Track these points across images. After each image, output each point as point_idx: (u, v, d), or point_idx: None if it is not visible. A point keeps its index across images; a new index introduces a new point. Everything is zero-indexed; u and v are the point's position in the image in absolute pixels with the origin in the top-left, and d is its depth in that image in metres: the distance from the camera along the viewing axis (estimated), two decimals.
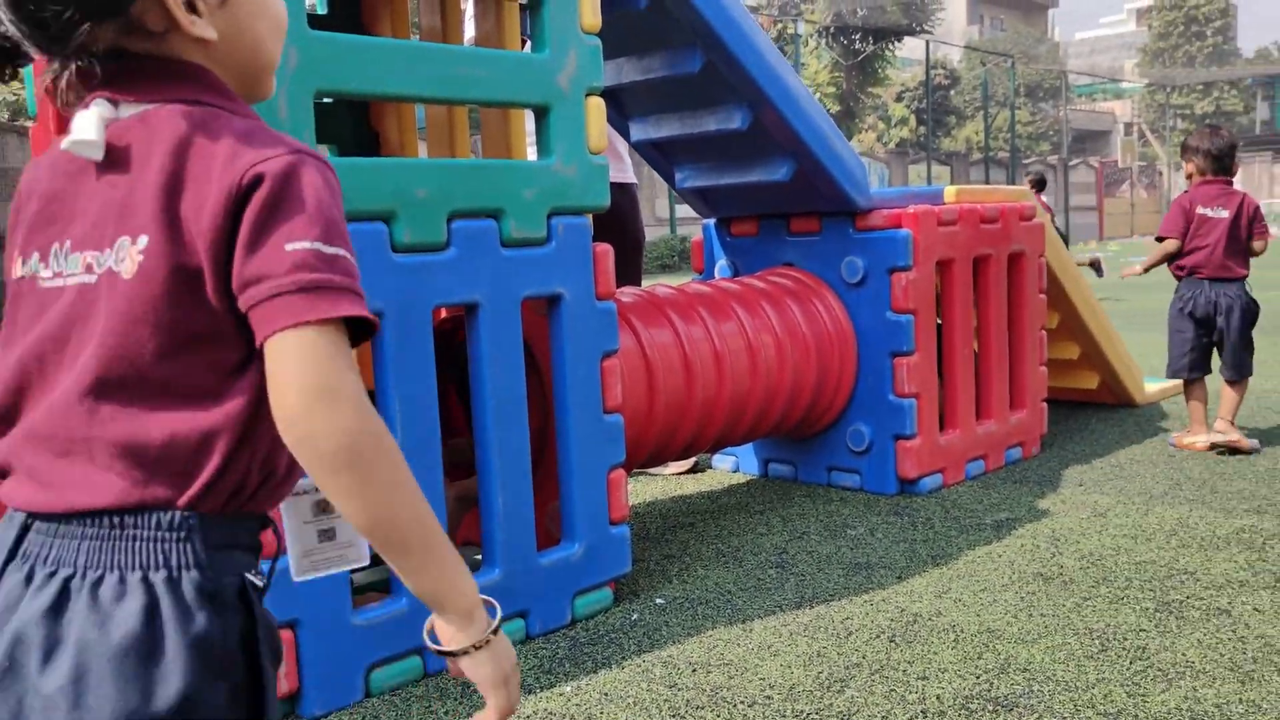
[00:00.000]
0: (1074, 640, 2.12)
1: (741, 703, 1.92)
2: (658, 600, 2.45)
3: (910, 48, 34.55)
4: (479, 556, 2.31)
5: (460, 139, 2.58)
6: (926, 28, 31.99)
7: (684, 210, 17.50)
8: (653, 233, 19.30)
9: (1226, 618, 2.19)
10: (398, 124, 2.60)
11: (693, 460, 3.75)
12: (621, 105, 3.33)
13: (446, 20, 2.59)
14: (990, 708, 1.85)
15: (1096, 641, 2.11)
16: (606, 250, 2.37)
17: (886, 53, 31.72)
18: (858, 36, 30.70)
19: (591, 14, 2.29)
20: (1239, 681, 1.91)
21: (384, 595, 2.10)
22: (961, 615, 2.28)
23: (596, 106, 2.31)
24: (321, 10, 2.64)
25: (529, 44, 2.46)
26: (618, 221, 3.89)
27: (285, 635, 1.86)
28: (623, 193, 3.93)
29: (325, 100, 2.55)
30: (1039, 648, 2.09)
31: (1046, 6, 66.85)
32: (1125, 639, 2.11)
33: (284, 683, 1.86)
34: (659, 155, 3.44)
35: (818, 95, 26.46)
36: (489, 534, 2.17)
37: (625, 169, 3.97)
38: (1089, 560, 2.59)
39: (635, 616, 2.36)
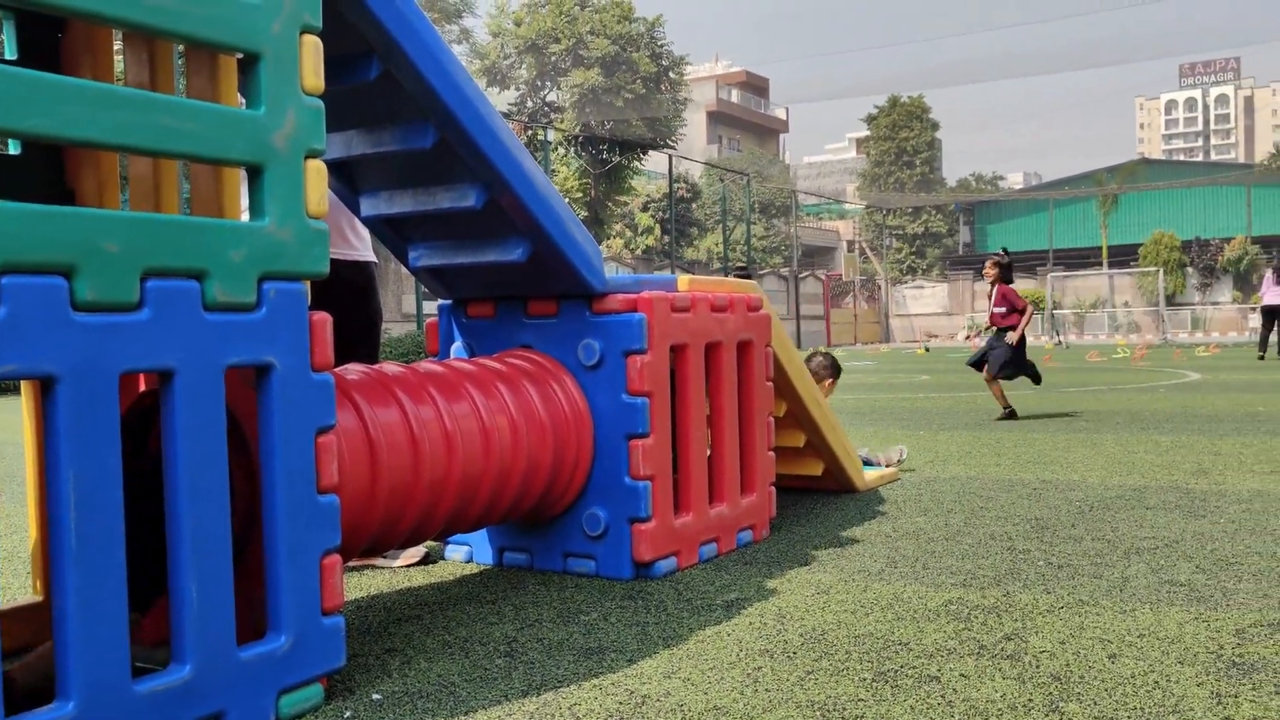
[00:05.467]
0: (796, 713, 2.12)
1: None
2: (374, 696, 2.28)
3: (655, 161, 36.21)
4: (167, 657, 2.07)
5: (167, 197, 2.40)
6: (670, 143, 33.66)
7: (432, 307, 17.32)
8: (399, 328, 18.96)
9: (936, 684, 2.27)
10: (95, 178, 2.39)
11: (423, 551, 3.59)
12: (352, 179, 3.23)
13: (156, 75, 2.42)
14: None
15: (818, 713, 2.12)
16: (324, 319, 2.24)
17: (632, 164, 33.07)
18: (605, 147, 31.89)
19: (313, 75, 2.20)
20: None
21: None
22: (689, 694, 2.24)
23: (316, 169, 2.21)
24: (10, 55, 2.42)
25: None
26: (353, 299, 3.76)
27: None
28: (359, 270, 3.80)
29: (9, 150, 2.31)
30: None
31: (778, 131, 72.08)
32: (844, 709, 2.14)
33: None
34: (391, 232, 3.35)
35: (566, 200, 27.06)
36: (179, 626, 1.95)
37: (363, 247, 3.85)
38: (812, 635, 2.63)
39: (349, 714, 2.17)
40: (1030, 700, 2.15)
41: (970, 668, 2.36)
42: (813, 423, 4.38)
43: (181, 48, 2.21)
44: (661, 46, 33.55)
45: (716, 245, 40.07)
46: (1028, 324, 8.26)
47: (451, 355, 3.59)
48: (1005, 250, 8.75)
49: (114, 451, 1.83)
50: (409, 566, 3.54)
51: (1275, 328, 17.06)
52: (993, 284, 8.39)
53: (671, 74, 33.78)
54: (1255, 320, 17.38)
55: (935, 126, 54.63)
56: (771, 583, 3.18)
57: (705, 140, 64.28)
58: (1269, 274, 17.04)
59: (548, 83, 34.23)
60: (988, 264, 8.55)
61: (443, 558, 3.65)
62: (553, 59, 32.39)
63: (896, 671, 2.35)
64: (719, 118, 66.74)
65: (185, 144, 1.96)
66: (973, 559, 3.42)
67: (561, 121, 32.46)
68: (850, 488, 4.77)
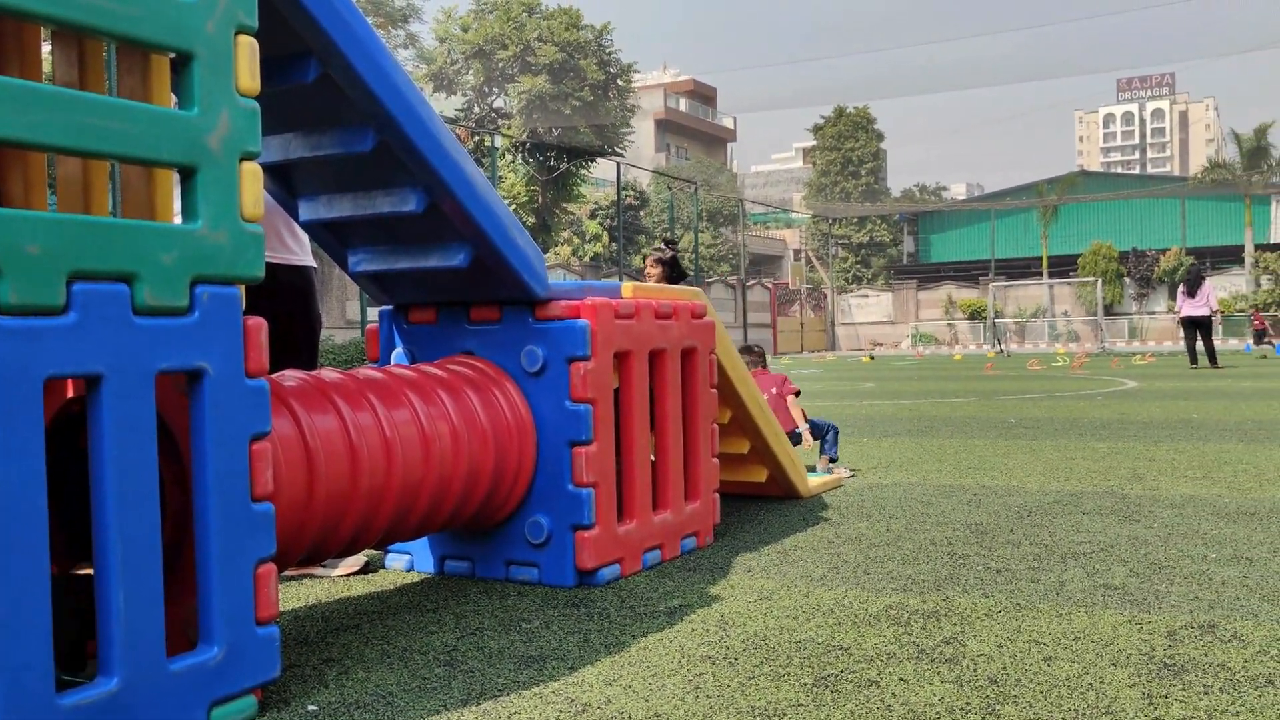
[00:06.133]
0: (737, 719, 2.12)
1: None
2: (310, 707, 2.24)
3: (603, 168, 36.24)
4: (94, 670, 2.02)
5: (98, 199, 2.34)
6: (618, 150, 33.71)
7: (375, 313, 17.14)
8: (343, 334, 18.76)
9: (875, 688, 2.28)
10: (22, 179, 2.32)
11: (363, 560, 3.54)
12: (291, 182, 3.18)
13: (85, 74, 2.36)
14: None
15: (758, 718, 2.12)
16: (259, 324, 2.20)
17: (580, 171, 33.06)
18: (553, 154, 31.83)
19: (248, 76, 2.16)
20: None
21: None
22: (630, 702, 2.23)
23: (251, 172, 2.17)
24: None
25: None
26: (292, 304, 3.70)
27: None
28: (298, 274, 3.75)
29: None
30: None
31: (726, 140, 72.49)
32: (784, 714, 2.14)
33: None
34: (331, 237, 3.31)
35: (513, 207, 27.01)
36: (106, 637, 1.90)
37: (301, 251, 3.80)
38: (753, 641, 2.64)
39: None
40: (968, 703, 2.17)
41: (909, 672, 2.38)
42: (756, 429, 4.40)
43: (113, 46, 2.16)
44: (610, 54, 33.61)
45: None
46: None
47: (392, 361, 3.56)
48: (670, 243, 6.72)
49: (38, 458, 1.77)
50: (348, 575, 3.50)
51: (1199, 336, 17.50)
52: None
53: (619, 81, 33.84)
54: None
55: (880, 137, 55.30)
56: (714, 589, 3.18)
57: (653, 148, 64.49)
58: (1181, 288, 17.52)
59: (495, 89, 34.11)
60: (648, 260, 6.60)
61: (383, 566, 3.61)
62: (500, 65, 32.29)
63: (836, 676, 2.36)
64: (667, 126, 66.99)
65: (113, 144, 1.92)
66: (913, 564, 3.45)
67: (509, 128, 32.35)
68: (794, 494, 4.79)
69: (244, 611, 2.13)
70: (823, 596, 3.06)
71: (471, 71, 33.58)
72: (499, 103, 34.37)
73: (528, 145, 31.46)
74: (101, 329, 1.88)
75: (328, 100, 2.76)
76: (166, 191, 2.28)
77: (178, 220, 2.15)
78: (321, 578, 3.47)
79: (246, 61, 2.16)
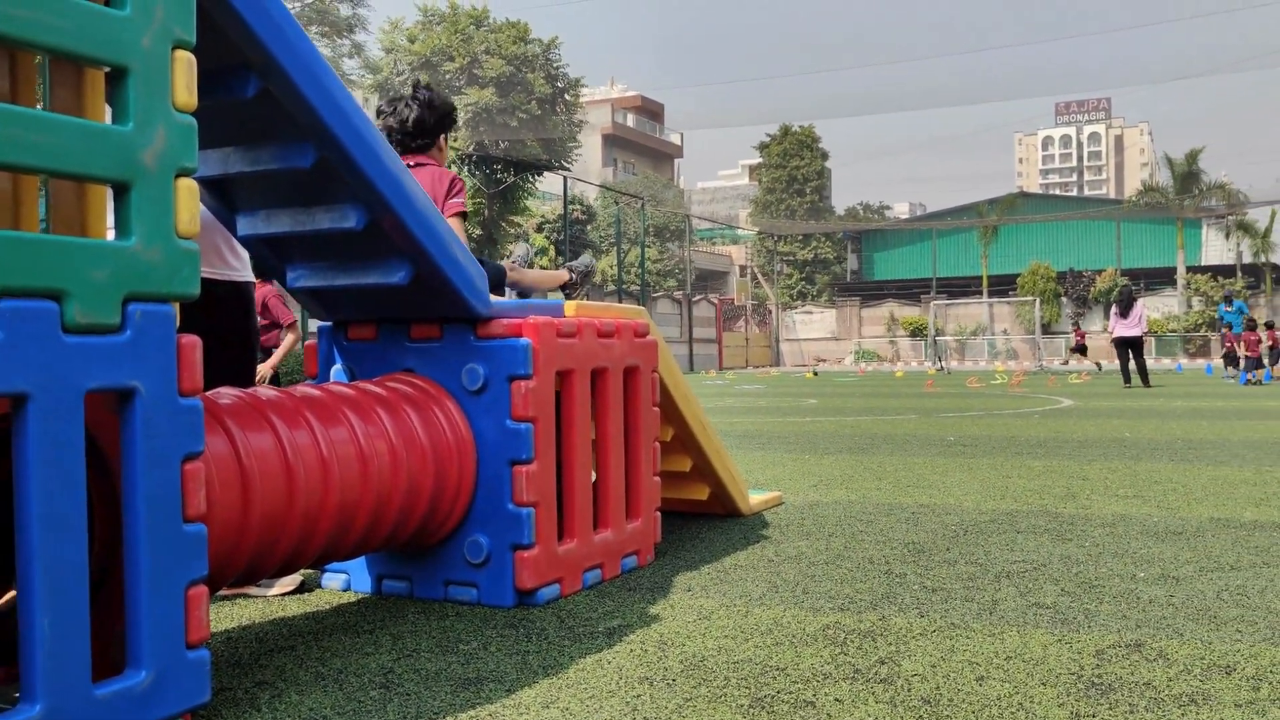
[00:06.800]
0: None
1: None
2: None
3: (550, 182, 36.22)
4: (17, 695, 1.97)
5: (27, 214, 2.29)
6: (565, 164, 33.71)
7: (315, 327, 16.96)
8: None
9: (811, 709, 2.30)
10: None
11: (299, 579, 3.49)
12: (230, 197, 3.14)
13: (17, 87, 2.32)
14: None
15: None
16: (194, 342, 2.17)
17: (527, 184, 33.01)
18: (499, 166, 31.74)
19: (186, 91, 2.14)
20: None
21: None
22: None
23: (188, 188, 2.14)
24: None
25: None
26: (230, 321, 3.65)
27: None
28: (236, 291, 3.70)
29: None
30: None
31: (673, 156, 72.89)
32: None
33: None
34: (269, 252, 3.27)
35: None
36: (29, 662, 1.85)
37: (241, 267, 3.75)
38: (691, 662, 2.64)
39: None
40: None
41: (845, 692, 2.40)
42: (698, 447, 4.41)
43: (46, 60, 2.12)
44: (557, 68, 33.63)
45: (611, 267, 40.19)
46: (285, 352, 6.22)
47: (331, 378, 3.52)
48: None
49: None
50: (283, 595, 3.45)
51: (1130, 356, 17.92)
52: None
53: (567, 96, 33.87)
54: None
55: (825, 156, 55.94)
56: (654, 609, 3.19)
57: (601, 163, 64.61)
58: (1114, 309, 17.94)
59: None
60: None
61: (319, 586, 3.56)
62: (447, 77, 32.15)
63: (773, 697, 2.37)
64: (614, 141, 67.18)
65: (44, 159, 1.88)
66: (851, 583, 3.48)
67: (455, 140, 32.20)
68: (735, 512, 4.81)
69: (174, 634, 2.10)
70: (761, 616, 3.08)
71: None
72: None
73: (474, 158, 31.35)
74: (28, 347, 1.84)
75: (267, 115, 2.73)
76: (99, 208, 2.24)
77: (110, 236, 2.11)
78: (256, 597, 3.42)
79: (184, 76, 2.14)
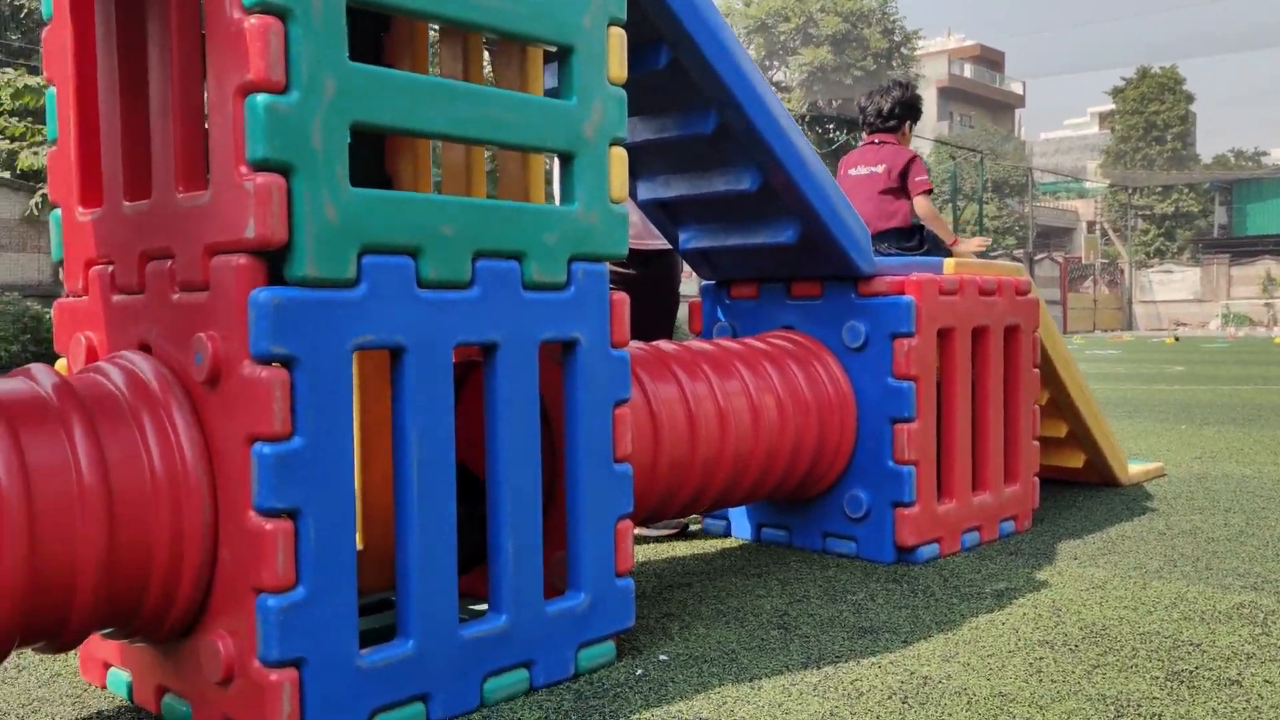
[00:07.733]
0: (1088, 706, 2.09)
1: None
2: (661, 657, 2.40)
3: None
4: (483, 606, 2.26)
5: (478, 183, 2.58)
6: None
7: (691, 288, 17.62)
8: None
9: (1238, 688, 2.17)
10: (413, 166, 2.60)
11: (684, 522, 3.71)
12: (632, 165, 3.36)
13: (469, 69, 2.60)
14: None
15: (1111, 708, 2.08)
16: (623, 298, 2.36)
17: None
18: (832, 125, 31.41)
19: (618, 66, 2.32)
20: None
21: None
22: (972, 679, 2.24)
23: (619, 156, 2.33)
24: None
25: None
26: (657, 286, 3.90)
27: (289, 674, 1.79)
28: (664, 259, 3.93)
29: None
30: (1053, 713, 2.06)
31: (1013, 106, 68.83)
32: (1139, 706, 2.08)
33: None
34: (664, 216, 3.47)
35: None
36: (496, 579, 2.12)
37: (662, 238, 3.98)
38: (1092, 630, 2.57)
39: (640, 672, 2.30)
40: None
41: (1274, 674, 2.25)
42: (1076, 413, 4.22)
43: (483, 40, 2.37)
44: (893, 22, 32.70)
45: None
46: None
47: (715, 335, 3.68)
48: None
49: (449, 415, 2.00)
50: (669, 536, 3.67)
51: None
52: None
53: (903, 50, 32.88)
54: None
55: (1190, 99, 50.70)
56: (1040, 575, 3.11)
57: (936, 117, 62.18)
58: None
59: (776, 62, 34.02)
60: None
61: (701, 529, 3.76)
62: (781, 38, 32.15)
63: (1191, 673, 2.26)
64: (950, 94, 64.37)
65: (513, 134, 2.12)
66: (1261, 562, 3.22)
67: (789, 101, 32.21)
68: (1113, 481, 4.57)
69: (606, 563, 2.31)
70: (1162, 590, 2.92)
71: (753, 46, 33.65)
72: (779, 76, 34.27)
73: (807, 118, 31.21)
74: (499, 301, 2.09)
75: (673, 85, 2.89)
76: (538, 176, 2.48)
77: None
78: (642, 539, 3.67)
79: (617, 52, 2.31)
